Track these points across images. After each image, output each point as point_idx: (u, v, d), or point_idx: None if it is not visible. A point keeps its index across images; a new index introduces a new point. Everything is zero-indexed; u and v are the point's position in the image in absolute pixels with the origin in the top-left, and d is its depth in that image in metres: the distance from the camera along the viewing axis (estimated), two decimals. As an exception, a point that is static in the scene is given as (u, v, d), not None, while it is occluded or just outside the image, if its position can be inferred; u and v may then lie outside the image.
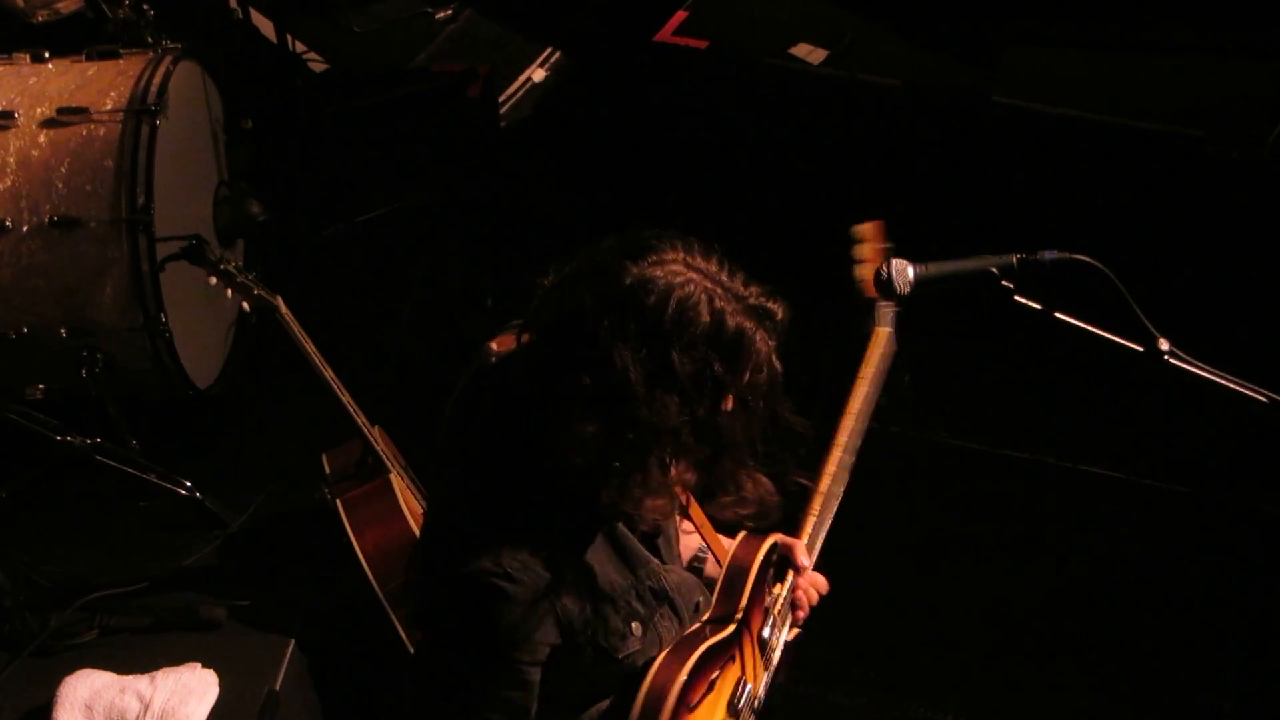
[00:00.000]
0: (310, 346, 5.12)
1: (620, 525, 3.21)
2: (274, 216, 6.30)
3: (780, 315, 3.08)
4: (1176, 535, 5.69)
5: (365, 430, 5.05)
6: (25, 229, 5.50)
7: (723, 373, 2.99)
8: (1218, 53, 7.52)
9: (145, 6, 6.06)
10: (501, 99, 7.93)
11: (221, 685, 4.80)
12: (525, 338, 3.17)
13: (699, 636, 3.35)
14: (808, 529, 3.63)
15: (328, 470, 5.14)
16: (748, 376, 3.03)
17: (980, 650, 5.42)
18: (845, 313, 3.79)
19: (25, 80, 5.78)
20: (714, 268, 3.02)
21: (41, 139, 5.59)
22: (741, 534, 3.53)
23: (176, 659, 4.87)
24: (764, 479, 3.27)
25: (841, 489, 3.68)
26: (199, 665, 4.84)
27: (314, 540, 5.21)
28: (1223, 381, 3.34)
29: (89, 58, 5.88)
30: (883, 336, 3.84)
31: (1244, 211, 6.81)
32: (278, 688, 4.86)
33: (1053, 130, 7.34)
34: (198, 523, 5.54)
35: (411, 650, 4.62)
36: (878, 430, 3.97)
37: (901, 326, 4.00)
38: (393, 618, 4.77)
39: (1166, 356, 3.33)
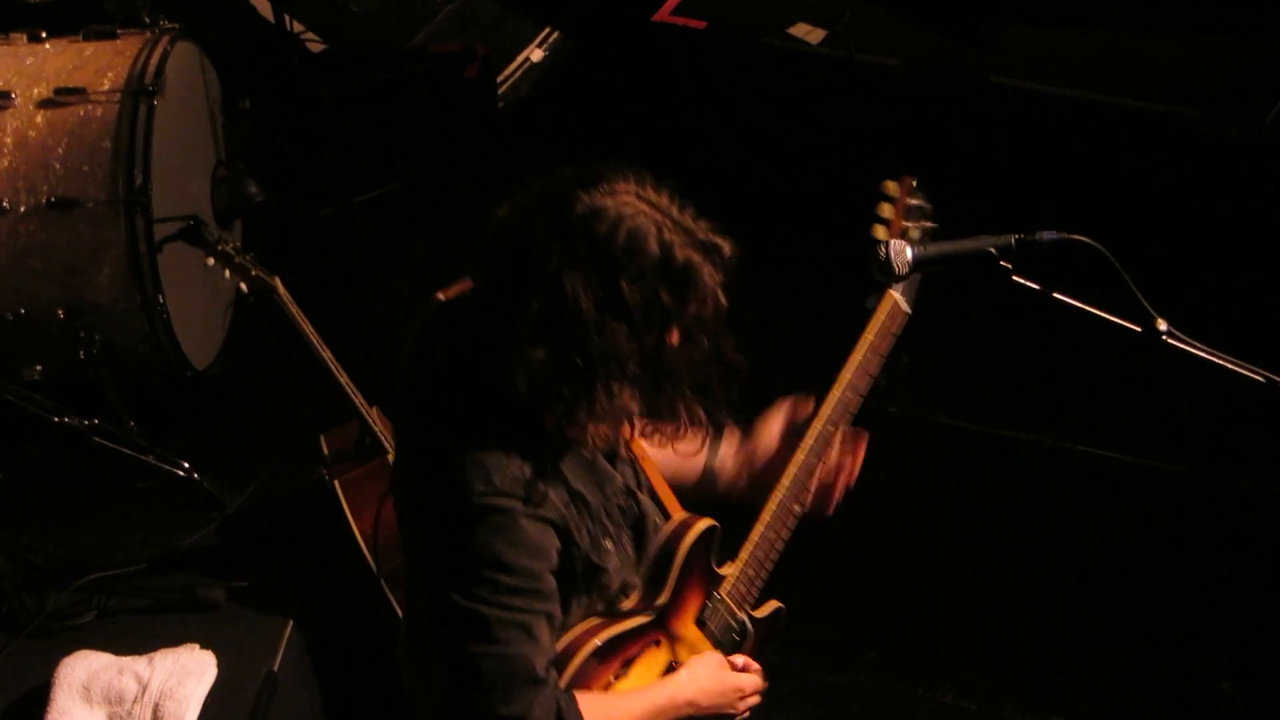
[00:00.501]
0: (308, 327, 5.12)
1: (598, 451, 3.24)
2: (271, 197, 6.30)
3: (728, 251, 3.12)
4: (1174, 515, 5.70)
5: (363, 411, 5.05)
6: (22, 209, 5.50)
7: (670, 303, 3.04)
8: (1215, 32, 7.51)
9: (142, -14, 6.07)
10: (500, 79, 7.92)
11: (220, 666, 4.80)
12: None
13: (616, 618, 3.37)
14: (773, 505, 3.59)
15: (326, 451, 5.15)
16: (694, 308, 3.07)
17: (978, 630, 5.43)
18: (852, 288, 3.75)
19: (22, 60, 5.77)
20: (665, 201, 3.07)
21: (39, 119, 5.58)
22: (676, 515, 3.53)
23: (174, 640, 4.87)
24: (699, 411, 3.32)
25: (820, 463, 3.65)
26: (197, 646, 4.84)
27: (312, 521, 5.21)
28: (1221, 361, 3.33)
29: (86, 38, 5.88)
30: (891, 302, 3.78)
31: (1242, 191, 6.81)
32: (276, 669, 4.86)
33: (1051, 110, 7.34)
34: (196, 504, 5.54)
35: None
36: (875, 410, 3.93)
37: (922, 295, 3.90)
38: (391, 598, 4.77)
39: (1164, 336, 3.33)
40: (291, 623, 4.99)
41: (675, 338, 3.11)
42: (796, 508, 3.61)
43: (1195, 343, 3.33)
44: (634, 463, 3.48)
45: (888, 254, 3.52)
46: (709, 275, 3.07)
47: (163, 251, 5.50)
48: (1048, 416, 6.02)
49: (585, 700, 3.21)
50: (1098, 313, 3.37)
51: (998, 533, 5.68)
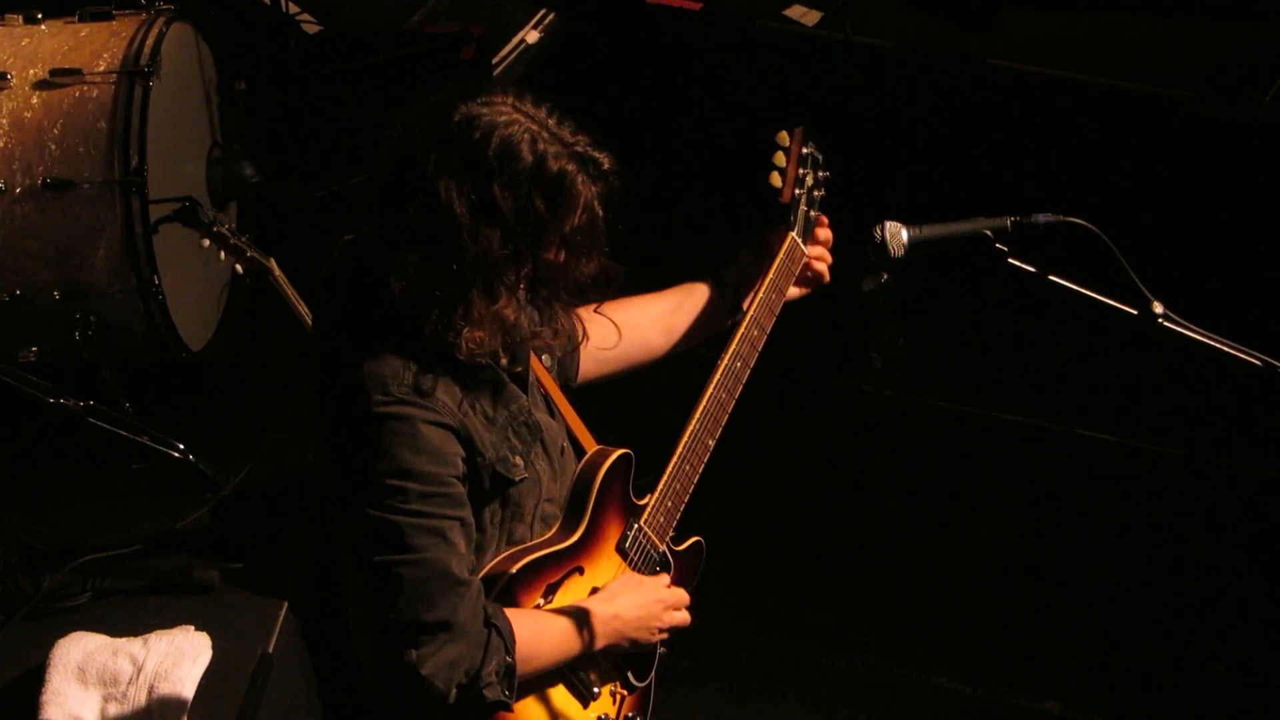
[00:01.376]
0: (303, 308, 5.12)
1: (489, 362, 3.27)
2: (267, 178, 6.29)
3: (606, 164, 3.22)
4: (1170, 497, 5.71)
5: (358, 393, 5.04)
6: (18, 191, 5.49)
7: (544, 211, 3.14)
8: (1213, 13, 7.50)
9: (137, -32, 6.05)
10: (495, 61, 7.91)
11: (214, 648, 4.80)
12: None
13: (536, 545, 3.41)
14: (686, 437, 3.61)
15: (321, 433, 5.14)
16: (570, 219, 3.17)
17: (974, 613, 5.43)
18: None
19: (18, 41, 5.76)
20: (542, 113, 3.18)
21: (34, 100, 5.57)
22: (591, 447, 3.58)
23: (169, 622, 4.87)
24: (575, 315, 3.53)
25: (731, 399, 3.68)
26: (192, 628, 4.84)
27: (307, 502, 5.21)
28: (1216, 344, 3.33)
29: (82, 19, 5.86)
30: (790, 241, 3.82)
31: (1239, 174, 6.80)
32: (271, 650, 4.86)
33: (1047, 93, 7.33)
34: (191, 485, 5.52)
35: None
36: (871, 394, 3.95)
37: (902, 284, 3.92)
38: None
39: (1160, 319, 3.33)
40: (286, 604, 4.99)
41: (554, 248, 3.21)
42: (709, 441, 3.65)
43: (1191, 326, 3.33)
44: (546, 395, 3.54)
45: (883, 236, 3.52)
46: (583, 185, 3.17)
47: (158, 233, 5.49)
48: (1043, 400, 6.02)
49: (512, 613, 3.26)
50: (1094, 295, 3.37)
51: (993, 516, 5.69)
